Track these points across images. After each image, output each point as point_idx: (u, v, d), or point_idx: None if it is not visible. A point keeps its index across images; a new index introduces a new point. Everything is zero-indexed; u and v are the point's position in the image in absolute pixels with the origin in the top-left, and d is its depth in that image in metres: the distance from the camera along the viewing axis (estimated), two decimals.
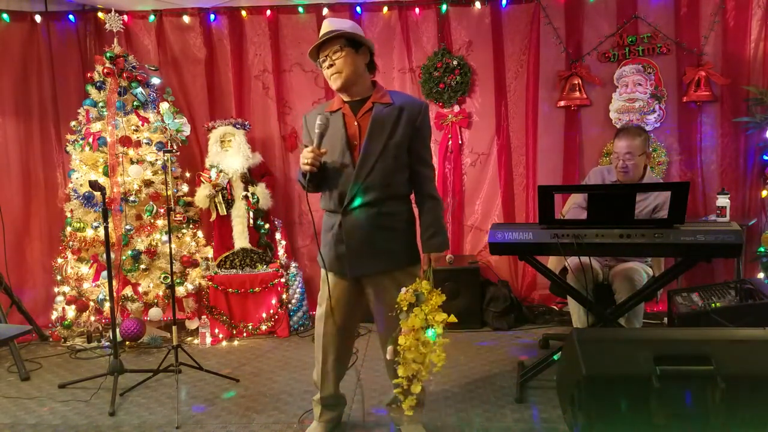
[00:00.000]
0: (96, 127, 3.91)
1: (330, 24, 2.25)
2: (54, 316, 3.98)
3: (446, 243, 2.35)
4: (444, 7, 4.29)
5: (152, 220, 3.92)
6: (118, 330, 3.39)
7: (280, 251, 4.27)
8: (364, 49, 2.27)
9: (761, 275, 3.93)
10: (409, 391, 2.10)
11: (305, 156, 2.21)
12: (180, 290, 3.91)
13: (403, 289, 2.11)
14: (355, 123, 2.27)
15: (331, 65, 2.21)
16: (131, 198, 3.87)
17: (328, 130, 2.25)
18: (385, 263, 2.30)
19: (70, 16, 4.37)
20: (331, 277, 2.38)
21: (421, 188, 2.36)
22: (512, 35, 4.30)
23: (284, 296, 4.06)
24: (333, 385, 2.52)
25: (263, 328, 4.05)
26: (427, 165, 2.35)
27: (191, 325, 4.12)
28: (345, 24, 2.26)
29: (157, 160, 3.97)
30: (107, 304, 3.74)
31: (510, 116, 4.39)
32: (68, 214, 3.97)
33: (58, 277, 3.98)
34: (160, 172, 3.95)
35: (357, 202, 2.25)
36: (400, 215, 2.32)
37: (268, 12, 4.38)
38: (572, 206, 3.39)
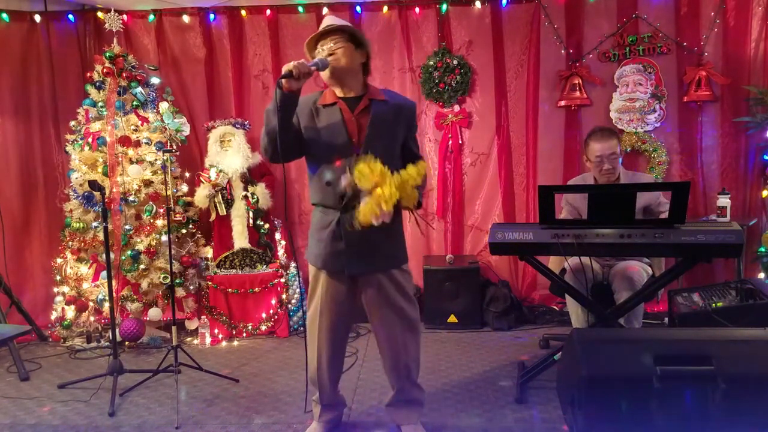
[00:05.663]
0: (95, 126, 3.91)
1: (332, 20, 2.29)
2: (53, 316, 3.98)
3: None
4: (444, 6, 4.29)
5: (152, 220, 3.92)
6: (117, 330, 3.39)
7: (280, 251, 4.26)
8: (363, 48, 2.30)
9: (762, 275, 3.93)
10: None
11: (291, 63, 2.07)
12: (179, 290, 3.91)
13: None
14: (353, 119, 2.26)
15: (330, 54, 2.21)
16: (131, 198, 3.87)
17: (326, 124, 2.25)
18: (385, 262, 2.32)
19: (70, 16, 4.36)
20: (324, 275, 2.38)
21: None
22: (512, 35, 4.29)
23: (284, 296, 4.05)
24: (330, 385, 2.51)
25: (263, 328, 4.05)
26: (417, 157, 2.39)
27: (191, 325, 4.11)
28: (347, 24, 2.31)
29: (156, 159, 3.96)
30: (107, 304, 3.74)
31: (510, 116, 4.38)
32: (68, 214, 3.97)
33: (58, 277, 3.97)
34: (159, 171, 3.94)
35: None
36: (394, 213, 2.33)
37: (268, 12, 4.37)
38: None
